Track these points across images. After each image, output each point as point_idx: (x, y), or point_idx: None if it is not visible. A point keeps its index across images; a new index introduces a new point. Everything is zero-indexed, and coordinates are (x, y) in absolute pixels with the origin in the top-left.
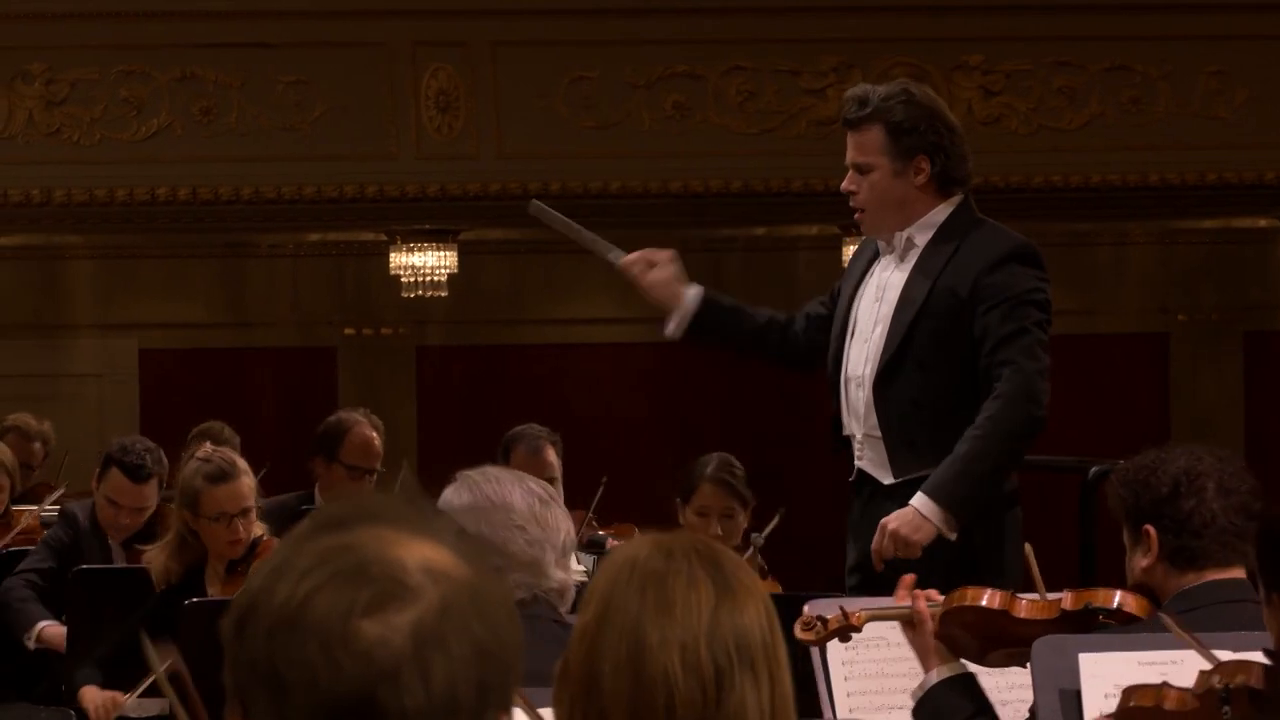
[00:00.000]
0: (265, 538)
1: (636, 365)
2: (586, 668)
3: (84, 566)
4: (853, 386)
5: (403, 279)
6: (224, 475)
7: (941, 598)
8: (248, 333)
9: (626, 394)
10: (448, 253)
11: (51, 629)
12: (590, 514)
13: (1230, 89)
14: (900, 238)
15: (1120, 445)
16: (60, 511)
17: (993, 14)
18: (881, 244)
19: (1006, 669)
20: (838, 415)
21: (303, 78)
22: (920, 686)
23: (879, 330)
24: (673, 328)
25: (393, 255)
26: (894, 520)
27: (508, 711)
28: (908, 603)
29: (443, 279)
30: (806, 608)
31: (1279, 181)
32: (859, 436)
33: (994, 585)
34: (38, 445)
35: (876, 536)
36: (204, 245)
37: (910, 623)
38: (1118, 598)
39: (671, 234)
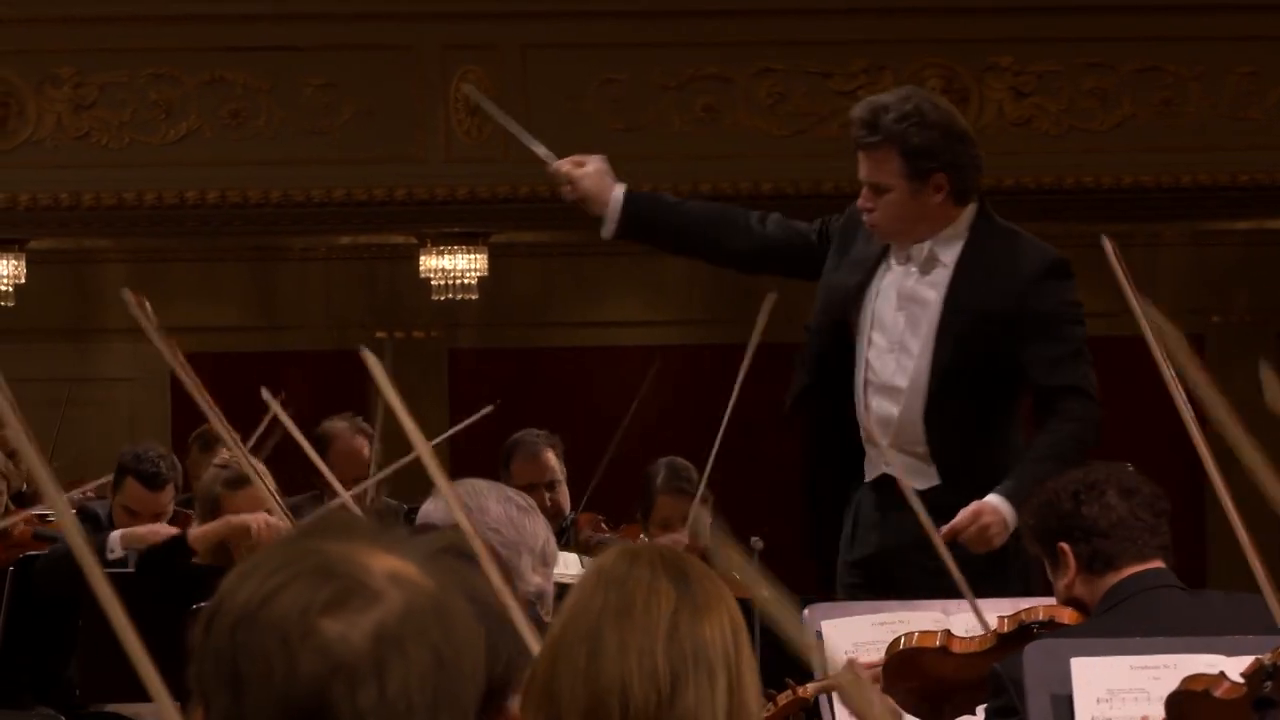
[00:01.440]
0: None
1: (668, 367)
2: (549, 673)
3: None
4: (880, 394)
5: (433, 282)
6: (242, 480)
7: (874, 663)
8: (279, 336)
9: (658, 396)
10: (478, 255)
11: (122, 531)
12: (597, 516)
13: (1262, 89)
14: (922, 249)
15: (1153, 448)
16: (79, 510)
17: (1023, 15)
18: (895, 247)
19: None
20: (811, 393)
21: (332, 81)
22: None
23: (921, 347)
24: (605, 228)
25: (423, 258)
26: (992, 517)
27: None
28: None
29: (473, 282)
30: (806, 612)
31: None
32: (884, 443)
33: (1022, 589)
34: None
35: (968, 515)
36: (235, 249)
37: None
38: (1050, 611)
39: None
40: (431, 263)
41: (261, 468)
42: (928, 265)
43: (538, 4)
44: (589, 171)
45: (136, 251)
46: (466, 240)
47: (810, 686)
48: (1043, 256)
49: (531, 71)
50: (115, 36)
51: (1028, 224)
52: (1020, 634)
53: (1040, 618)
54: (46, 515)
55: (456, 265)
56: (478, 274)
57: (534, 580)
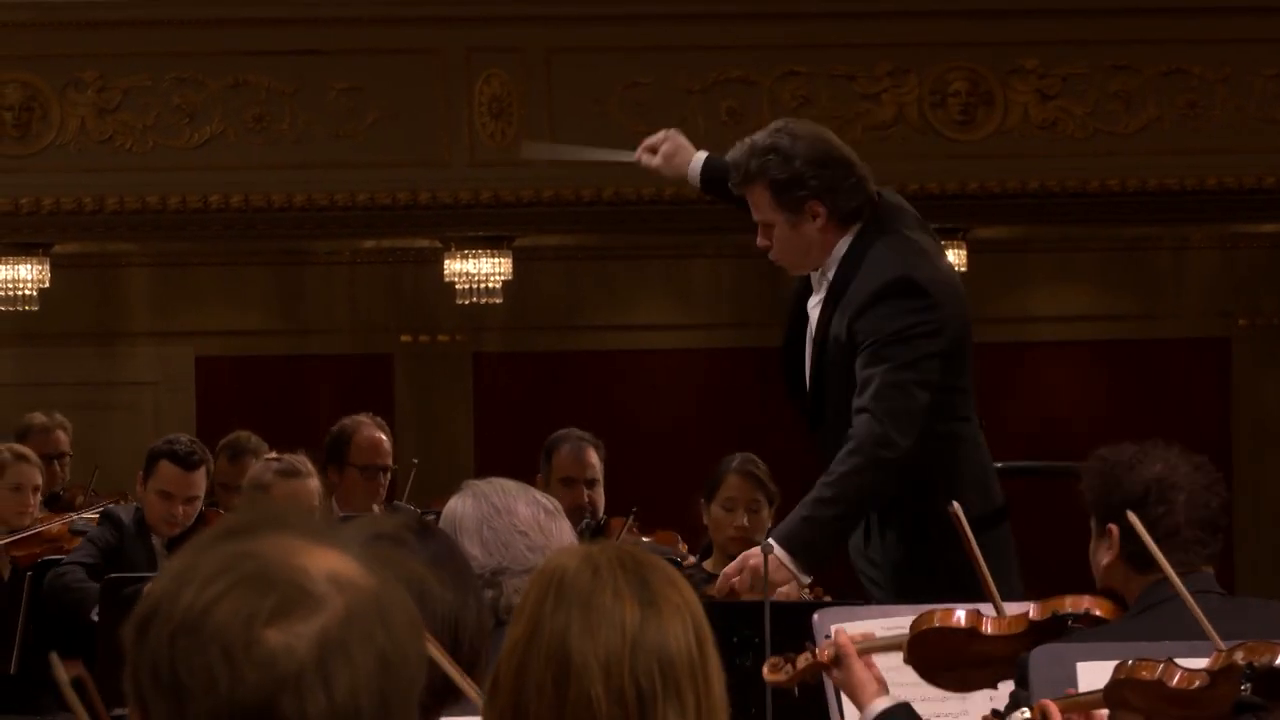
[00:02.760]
0: None
1: (694, 371)
2: (515, 686)
3: (115, 575)
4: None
5: (457, 286)
6: (295, 472)
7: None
8: (304, 340)
9: (684, 400)
10: (502, 259)
11: None
12: (630, 519)
13: None
14: (817, 277)
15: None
16: (102, 513)
17: (1049, 18)
18: (814, 283)
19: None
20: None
21: (356, 84)
22: None
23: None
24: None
25: (447, 262)
26: (755, 558)
27: None
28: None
29: (498, 286)
30: (816, 616)
31: None
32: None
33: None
34: (60, 434)
35: (737, 564)
36: (260, 253)
37: (836, 663)
38: (1085, 603)
39: (727, 240)
40: (455, 266)
41: (312, 468)
42: (820, 293)
43: (562, 7)
44: (661, 163)
45: (160, 255)
46: (491, 244)
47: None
48: (876, 279)
49: (556, 75)
50: (139, 41)
51: (1053, 227)
52: (1051, 623)
53: (1072, 609)
54: (80, 519)
55: (481, 269)
56: (502, 278)
57: None
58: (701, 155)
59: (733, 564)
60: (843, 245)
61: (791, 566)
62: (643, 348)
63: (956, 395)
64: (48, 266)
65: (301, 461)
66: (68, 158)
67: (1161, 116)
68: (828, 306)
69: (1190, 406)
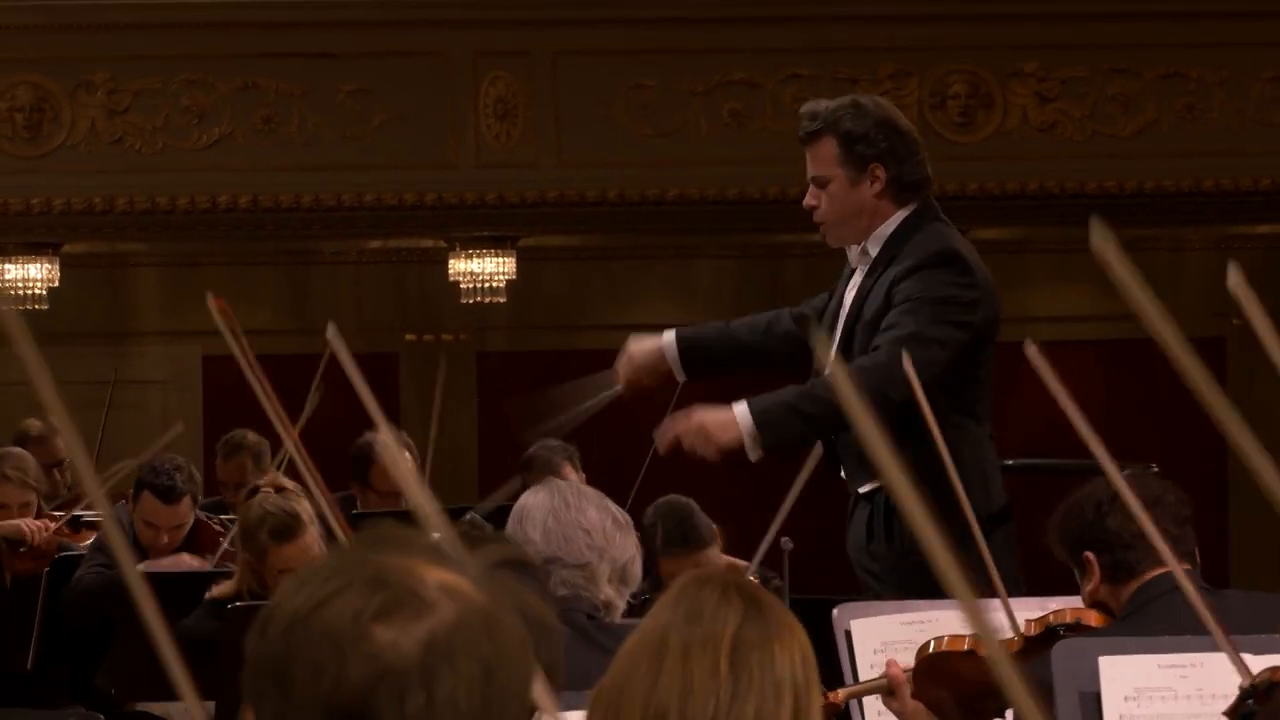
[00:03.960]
0: None
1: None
2: (615, 679)
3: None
4: None
5: (462, 285)
6: (289, 532)
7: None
8: (311, 339)
9: (686, 400)
10: (506, 259)
11: (144, 564)
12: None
13: None
14: (856, 251)
15: (1178, 449)
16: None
17: (1048, 21)
18: (851, 260)
19: None
20: None
21: (363, 86)
22: None
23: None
24: (679, 377)
25: (452, 262)
26: (708, 415)
27: None
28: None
29: (501, 285)
30: (835, 611)
31: None
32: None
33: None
34: (58, 441)
35: (683, 420)
36: (267, 253)
37: (889, 692)
38: (1079, 615)
39: (730, 241)
40: (460, 266)
41: (307, 511)
42: (861, 267)
43: (567, 11)
44: (639, 363)
45: (169, 255)
46: (495, 244)
47: (842, 692)
48: (924, 250)
49: (562, 78)
50: (148, 43)
51: (1052, 229)
52: (1047, 636)
53: (1067, 620)
54: (81, 517)
55: (485, 269)
56: (506, 277)
57: (606, 590)
58: (669, 337)
59: (682, 418)
60: (892, 223)
61: (747, 435)
62: None
63: (973, 387)
64: (57, 266)
65: (294, 516)
66: (78, 158)
67: (1159, 119)
68: (869, 278)
69: (1188, 406)
